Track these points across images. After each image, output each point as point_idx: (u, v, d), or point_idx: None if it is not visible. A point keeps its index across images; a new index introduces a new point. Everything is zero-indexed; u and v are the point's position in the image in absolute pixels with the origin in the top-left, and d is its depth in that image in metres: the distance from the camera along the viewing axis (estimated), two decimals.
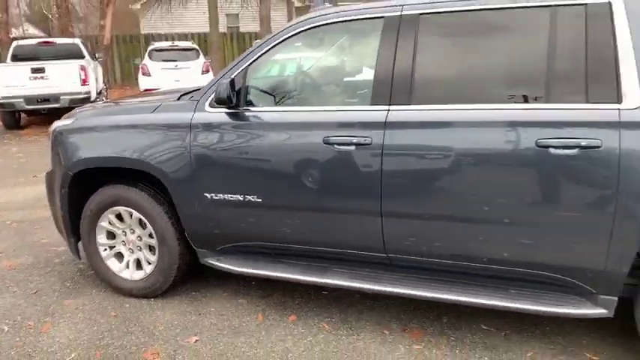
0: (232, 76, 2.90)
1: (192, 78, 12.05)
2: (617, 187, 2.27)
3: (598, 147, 2.28)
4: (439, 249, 2.70)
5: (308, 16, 2.93)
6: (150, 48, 13.67)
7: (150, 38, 20.54)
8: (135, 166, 3.18)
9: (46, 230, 4.75)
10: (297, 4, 26.46)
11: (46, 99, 10.16)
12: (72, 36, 15.35)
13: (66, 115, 3.65)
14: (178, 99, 3.29)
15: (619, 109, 2.27)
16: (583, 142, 2.30)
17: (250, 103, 2.98)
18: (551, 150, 2.35)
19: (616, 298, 2.46)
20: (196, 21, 24.69)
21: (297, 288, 3.44)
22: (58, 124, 3.53)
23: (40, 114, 11.26)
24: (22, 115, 11.06)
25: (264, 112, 2.95)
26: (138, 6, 27.70)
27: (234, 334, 2.99)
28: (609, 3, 2.34)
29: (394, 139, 2.62)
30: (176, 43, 14.92)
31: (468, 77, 2.64)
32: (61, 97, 10.17)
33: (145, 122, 3.18)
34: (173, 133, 3.07)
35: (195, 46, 14.25)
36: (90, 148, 3.30)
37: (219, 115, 2.99)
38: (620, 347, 2.72)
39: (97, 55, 13.45)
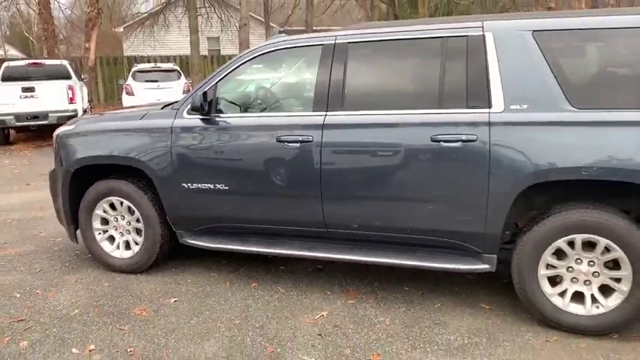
0: (205, 90, 3.68)
1: (173, 98, 12.76)
2: (488, 170, 3.08)
3: (474, 140, 3.09)
4: (366, 223, 3.47)
5: (265, 43, 3.75)
6: (134, 69, 14.42)
7: (133, 60, 21.29)
8: (126, 162, 3.92)
9: (43, 226, 5.43)
10: (275, 27, 27.48)
11: (35, 116, 10.82)
12: (57, 57, 16.01)
13: (68, 122, 4.38)
14: (162, 108, 4.05)
15: (489, 112, 3.09)
16: (463, 137, 3.11)
17: (219, 111, 3.75)
18: (442, 143, 3.16)
19: (495, 256, 3.25)
20: (178, 44, 25.52)
21: (259, 264, 4.18)
22: (61, 129, 4.27)
23: (29, 130, 11.89)
24: (12, 131, 11.66)
25: (230, 117, 3.73)
26: (121, 29, 28.52)
27: (206, 296, 3.72)
28: (483, 35, 3.18)
29: (330, 137, 3.41)
30: (159, 64, 15.71)
31: (384, 90, 3.47)
32: (50, 115, 10.83)
33: (135, 127, 3.94)
34: (157, 135, 3.83)
35: (176, 67, 15.04)
36: (89, 149, 4.03)
37: (195, 120, 3.75)
38: (508, 299, 3.49)
39: (82, 76, 14.13)
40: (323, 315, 3.40)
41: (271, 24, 26.80)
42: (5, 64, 12.37)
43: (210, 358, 2.94)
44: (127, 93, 13.73)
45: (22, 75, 11.75)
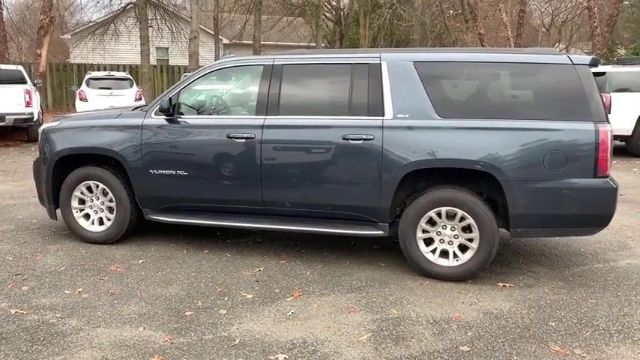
0: (170, 96, 4.70)
1: (126, 104, 13.55)
2: (381, 161, 4.25)
3: (372, 139, 4.26)
4: (297, 201, 4.56)
5: (218, 61, 4.83)
6: (87, 76, 15.06)
7: (82, 67, 21.71)
8: (104, 152, 4.87)
9: (18, 211, 6.22)
10: (225, 40, 28.44)
11: None
12: (8, 62, 16.37)
13: (51, 119, 5.28)
14: (133, 110, 5.04)
15: (382, 119, 4.28)
16: (364, 136, 4.28)
17: (181, 113, 4.78)
18: (350, 141, 4.32)
19: (387, 225, 4.42)
20: (127, 53, 26.03)
21: (210, 238, 5.19)
22: (46, 125, 5.17)
23: None
24: None
25: (189, 119, 4.76)
26: (69, 36, 28.68)
27: (168, 259, 4.71)
28: (380, 64, 4.37)
29: (268, 135, 4.51)
30: (112, 73, 16.39)
31: (309, 101, 4.62)
32: (7, 117, 11.39)
33: (111, 124, 4.91)
34: (130, 131, 4.80)
35: (129, 76, 15.79)
36: (72, 141, 4.96)
37: (161, 120, 4.76)
38: (398, 260, 4.66)
39: (35, 81, 14.61)
40: (260, 270, 4.46)
41: (220, 37, 27.76)
42: None
43: (174, 295, 3.94)
44: (80, 99, 14.35)
45: None
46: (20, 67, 13.24)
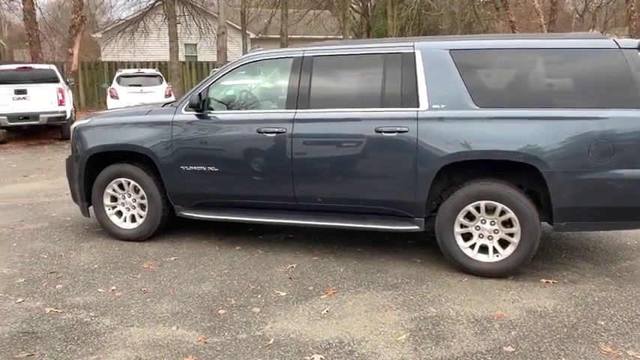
0: (199, 91, 4.64)
1: (156, 101, 13.65)
2: (416, 153, 4.11)
3: (406, 131, 4.12)
4: (328, 196, 4.46)
5: (247, 55, 4.74)
6: (118, 74, 15.23)
7: (113, 65, 21.99)
8: (135, 149, 4.84)
9: (52, 209, 6.28)
10: (252, 35, 28.47)
11: (26, 117, 11.56)
12: (42, 62, 16.68)
13: (83, 117, 5.28)
14: (163, 106, 5.00)
15: (417, 110, 4.13)
16: (398, 129, 4.14)
17: (211, 109, 4.71)
18: (383, 134, 4.18)
19: (423, 220, 4.27)
20: (157, 50, 26.26)
21: (242, 234, 5.13)
22: (77, 123, 5.18)
23: (19, 131, 12.59)
24: (2, 131, 12.31)
25: (219, 114, 4.69)
26: (100, 35, 29.12)
27: (200, 255, 4.66)
28: (413, 53, 4.22)
29: (299, 129, 4.41)
30: (142, 70, 16.53)
31: (341, 93, 4.49)
32: (40, 116, 11.59)
33: (142, 120, 4.88)
34: (160, 127, 4.76)
35: (158, 73, 15.90)
36: (104, 139, 4.95)
37: (191, 116, 4.71)
38: (435, 256, 4.52)
39: (67, 80, 14.84)
40: (292, 266, 4.38)
41: (248, 32, 27.78)
42: None
43: (207, 293, 3.88)
44: (111, 96, 14.52)
45: (12, 78, 12.43)
46: (53, 67, 13.46)
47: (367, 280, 4.11)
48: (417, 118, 4.11)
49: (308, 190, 4.50)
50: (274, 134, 4.45)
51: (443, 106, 4.08)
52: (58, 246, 4.95)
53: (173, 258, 4.60)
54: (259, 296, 3.83)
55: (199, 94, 4.61)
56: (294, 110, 4.45)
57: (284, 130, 4.42)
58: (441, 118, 4.07)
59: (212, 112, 4.70)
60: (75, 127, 5.17)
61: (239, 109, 4.83)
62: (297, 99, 4.45)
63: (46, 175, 8.42)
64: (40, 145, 11.84)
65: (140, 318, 3.51)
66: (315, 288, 3.96)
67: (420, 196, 4.18)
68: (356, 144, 4.30)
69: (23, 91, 11.57)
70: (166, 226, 5.11)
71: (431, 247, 4.67)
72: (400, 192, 4.22)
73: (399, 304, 3.69)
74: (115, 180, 5.01)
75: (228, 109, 4.80)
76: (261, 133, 4.48)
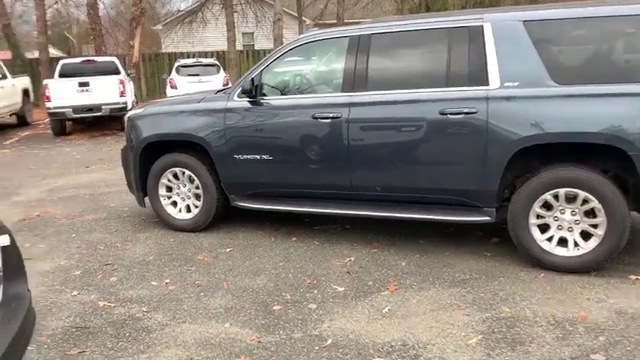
0: (252, 76, 4.43)
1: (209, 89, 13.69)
2: (486, 137, 3.73)
3: (475, 113, 3.75)
4: (388, 185, 4.17)
5: (300, 36, 4.48)
6: (177, 64, 15.42)
7: (173, 56, 22.37)
8: (188, 138, 4.72)
9: (111, 199, 6.32)
10: (308, 21, 28.23)
11: (90, 108, 11.84)
12: (105, 55, 17.14)
13: (137, 107, 5.22)
14: (216, 93, 4.84)
15: (487, 89, 3.74)
16: (465, 110, 3.77)
17: (264, 94, 4.50)
18: (449, 116, 3.83)
19: (494, 210, 3.90)
20: (215, 40, 26.52)
21: (298, 225, 4.93)
22: (131, 113, 5.12)
23: (83, 122, 12.97)
24: (68, 123, 12.73)
25: (272, 100, 4.48)
26: (160, 27, 29.75)
27: (255, 247, 4.50)
28: (482, 26, 3.83)
29: (356, 113, 4.12)
30: (200, 59, 16.68)
31: (400, 73, 4.16)
32: (103, 107, 11.84)
33: (194, 109, 4.74)
34: (213, 116, 4.61)
35: (216, 62, 15.98)
36: (157, 128, 4.86)
37: (244, 102, 4.52)
38: (506, 248, 4.13)
39: (129, 72, 15.16)
40: (350, 260, 4.12)
41: (304, 18, 27.56)
42: (62, 62, 13.49)
43: (262, 287, 3.70)
44: (171, 87, 14.72)
45: (77, 71, 12.81)
46: (114, 59, 13.76)
47: (432, 275, 3.80)
48: (486, 98, 3.73)
49: (366, 179, 4.22)
50: (329, 119, 4.19)
51: (516, 83, 3.68)
52: (115, 237, 4.92)
53: (228, 249, 4.46)
54: (316, 291, 3.61)
55: (252, 80, 4.41)
56: (351, 93, 4.17)
57: (339, 115, 4.15)
58: (513, 97, 3.67)
59: (265, 97, 4.49)
60: (129, 117, 5.11)
61: (292, 93, 4.59)
62: (354, 81, 4.16)
63: (107, 166, 8.55)
64: (103, 136, 12.12)
65: (192, 314, 3.37)
66: (375, 283, 3.69)
67: (490, 183, 3.81)
68: (418, 128, 3.97)
69: (86, 84, 11.85)
70: (222, 216, 4.97)
71: (502, 239, 4.29)
72: (468, 180, 3.87)
73: (468, 302, 3.37)
74: (170, 170, 4.91)
75: (282, 94, 4.58)
76: (316, 118, 4.23)
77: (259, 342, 3.00)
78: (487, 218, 3.92)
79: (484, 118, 3.72)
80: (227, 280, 3.87)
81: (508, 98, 3.69)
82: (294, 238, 4.64)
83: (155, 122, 4.91)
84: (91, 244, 4.73)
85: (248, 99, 4.50)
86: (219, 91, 4.90)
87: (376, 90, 4.11)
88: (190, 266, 4.14)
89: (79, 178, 7.70)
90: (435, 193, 4.05)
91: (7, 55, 20.66)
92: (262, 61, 4.56)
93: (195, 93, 5.66)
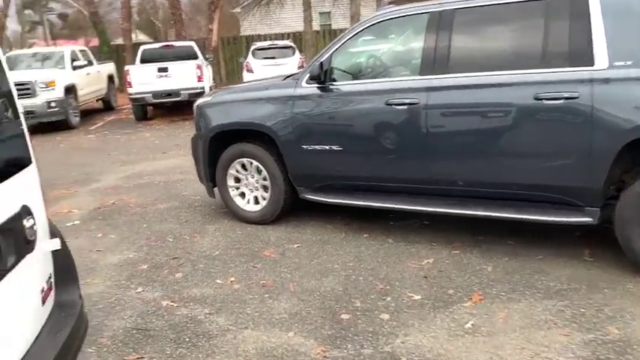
0: (321, 60, 4.11)
1: (289, 73, 13.51)
2: (590, 126, 3.20)
3: (576, 98, 3.22)
4: (471, 179, 3.73)
5: (375, 14, 4.08)
6: (253, 47, 15.40)
7: (250, 39, 22.47)
8: (254, 127, 4.49)
9: (184, 187, 6.27)
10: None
11: (169, 94, 12.05)
12: (185, 40, 17.44)
13: (206, 94, 5.06)
14: (284, 79, 4.56)
15: (591, 70, 3.19)
16: (565, 94, 3.25)
17: (334, 80, 4.17)
18: (545, 101, 3.32)
19: (598, 209, 3.37)
20: (292, 21, 26.38)
21: (370, 220, 4.59)
22: (200, 101, 4.96)
23: (163, 107, 13.26)
24: (149, 108, 13.05)
25: (343, 85, 4.14)
26: (238, 10, 30.04)
27: (324, 243, 4.22)
28: None
29: (435, 99, 3.70)
30: (275, 42, 16.57)
31: (488, 52, 3.67)
32: (181, 92, 12.00)
33: (261, 96, 4.50)
34: (280, 104, 4.34)
35: (292, 44, 15.80)
36: (224, 117, 4.67)
37: (312, 88, 4.21)
38: (610, 252, 3.58)
39: (207, 56, 15.31)
40: (429, 262, 3.74)
41: None
42: (143, 47, 13.83)
43: (329, 291, 3.42)
44: (247, 70, 14.72)
45: (157, 57, 13.07)
46: (192, 43, 13.92)
47: (522, 283, 3.34)
48: (591, 80, 3.18)
49: (447, 172, 3.80)
50: (405, 106, 3.79)
51: (629, 62, 3.10)
52: (185, 228, 4.82)
53: (296, 245, 4.21)
54: (389, 299, 3.27)
55: (321, 64, 4.08)
56: (430, 77, 3.74)
57: (417, 101, 3.74)
58: (627, 79, 3.10)
59: (335, 83, 4.16)
60: (197, 105, 4.96)
61: (364, 78, 4.22)
62: (434, 63, 3.73)
63: (183, 152, 8.57)
64: (183, 121, 12.29)
65: (256, 318, 3.15)
66: (457, 292, 3.30)
67: (594, 179, 3.28)
68: (507, 115, 3.50)
69: (165, 69, 12.05)
70: (290, 208, 4.74)
71: (606, 242, 3.73)
72: (568, 175, 3.36)
73: (566, 319, 2.90)
74: (238, 160, 4.72)
75: (354, 78, 4.22)
76: (390, 105, 3.85)
77: (325, 357, 2.73)
78: (589, 219, 3.40)
79: (588, 104, 3.18)
80: (293, 280, 3.62)
81: (618, 80, 3.12)
82: (365, 235, 4.32)
83: (222, 111, 4.72)
84: (160, 236, 4.65)
85: (317, 85, 4.19)
86: (287, 77, 4.62)
87: (459, 72, 3.66)
88: (256, 263, 3.93)
89: (155, 165, 7.77)
90: (527, 190, 3.57)
91: (96, 41, 21.64)
92: (332, 43, 4.22)
93: (264, 79, 5.42)
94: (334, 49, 4.16)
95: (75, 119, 12.12)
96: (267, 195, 4.65)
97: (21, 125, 2.21)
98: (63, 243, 2.40)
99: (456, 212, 3.81)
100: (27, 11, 43.88)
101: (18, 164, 2.14)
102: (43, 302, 2.17)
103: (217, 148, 4.80)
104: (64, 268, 2.41)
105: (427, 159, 3.81)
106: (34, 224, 2.07)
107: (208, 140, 4.77)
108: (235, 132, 4.71)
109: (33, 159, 2.27)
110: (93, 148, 9.50)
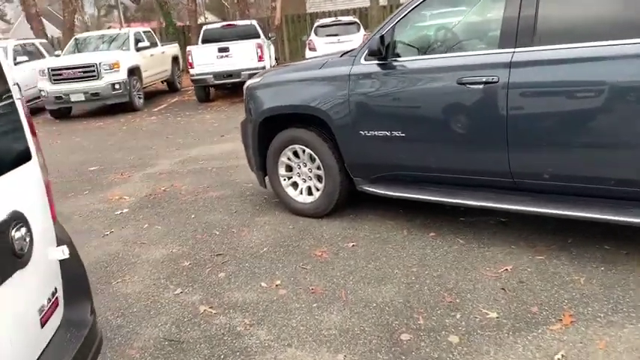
0: (382, 33, 3.57)
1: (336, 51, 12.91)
2: None
3: None
4: (561, 172, 3.11)
5: None
6: (315, 24, 14.87)
7: (315, 16, 21.93)
8: (306, 111, 4.04)
9: (238, 173, 5.94)
10: None
11: (229, 74, 11.79)
12: (248, 18, 17.17)
13: (256, 75, 4.65)
14: (341, 56, 4.06)
15: None
16: None
17: (397, 55, 3.62)
18: None
19: None
20: None
21: (437, 214, 4.05)
22: (250, 82, 4.56)
23: (225, 88, 13.08)
24: (212, 89, 12.90)
25: (407, 61, 3.59)
26: None
27: (383, 242, 3.73)
28: None
29: (518, 76, 3.09)
30: (339, 18, 15.95)
31: (586, 18, 3.00)
32: (242, 73, 11.70)
33: (314, 76, 4.03)
34: (336, 83, 3.85)
35: (356, 20, 15.13)
36: (273, 100, 4.24)
37: (371, 66, 3.69)
38: None
39: (269, 35, 14.96)
40: (507, 269, 3.18)
41: None
42: (204, 28, 13.68)
43: (388, 303, 2.94)
44: (309, 49, 14.23)
45: (218, 37, 12.87)
46: (254, 22, 13.60)
47: (625, 302, 2.72)
48: None
49: (531, 163, 3.20)
50: (481, 85, 3.20)
51: None
52: (234, 219, 4.48)
53: (351, 244, 3.75)
54: (458, 315, 2.76)
55: (381, 37, 3.54)
56: (512, 50, 3.12)
57: (496, 79, 3.14)
58: None
59: (398, 59, 3.61)
60: (247, 87, 4.56)
61: (434, 52, 3.64)
62: (517, 32, 3.11)
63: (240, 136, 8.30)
64: (242, 102, 12.07)
65: (301, 334, 2.74)
66: (542, 310, 2.73)
67: None
68: (610, 96, 2.84)
69: (226, 49, 11.79)
70: (347, 201, 4.27)
71: None
72: None
73: None
74: (290, 147, 4.30)
75: (420, 53, 3.66)
76: (463, 84, 3.27)
77: None
78: None
79: None
80: (346, 286, 3.17)
81: None
82: (432, 234, 3.79)
83: (272, 93, 4.29)
84: (207, 228, 4.33)
85: (377, 62, 3.66)
86: (344, 54, 4.11)
87: (548, 44, 3.02)
88: (306, 263, 3.52)
89: (211, 149, 7.51)
90: (632, 186, 2.91)
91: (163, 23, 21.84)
92: (395, 13, 3.66)
93: (317, 57, 4.94)
94: (397, 19, 3.60)
95: (139, 101, 12.14)
96: (320, 186, 4.21)
97: (16, 112, 1.87)
98: (73, 250, 2.06)
99: (543, 212, 3.19)
100: None
101: (11, 160, 1.80)
102: (44, 324, 1.84)
103: (268, 133, 4.40)
104: (74, 279, 2.07)
105: (506, 148, 3.21)
106: (28, 233, 1.73)
107: (258, 125, 4.37)
108: (287, 116, 4.29)
109: (34, 153, 1.93)
110: (152, 131, 9.41)
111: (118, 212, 4.96)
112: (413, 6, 3.56)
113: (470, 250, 3.49)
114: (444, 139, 3.47)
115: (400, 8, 3.64)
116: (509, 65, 3.10)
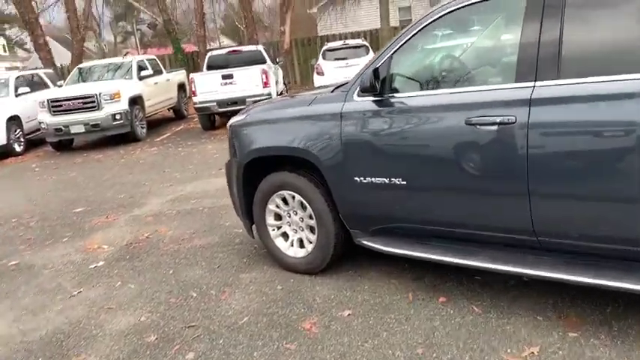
0: (376, 66, 3.04)
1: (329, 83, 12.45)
2: None
3: None
4: (593, 231, 2.54)
5: (450, 1, 2.93)
6: (324, 48, 14.47)
7: (326, 39, 21.61)
8: (294, 153, 3.51)
9: (229, 215, 5.39)
10: None
11: (234, 102, 11.36)
12: (256, 43, 16.87)
13: (240, 112, 4.15)
14: (332, 91, 3.54)
15: None
16: None
17: (395, 90, 3.09)
18: None
19: None
20: (369, 18, 25.29)
21: (448, 272, 3.46)
22: (234, 119, 4.05)
23: (231, 115, 12.67)
24: (216, 117, 12.49)
25: (406, 97, 3.04)
26: (314, 10, 29.34)
27: (385, 310, 3.15)
28: None
29: (540, 115, 2.53)
30: (347, 41, 15.54)
31: (623, 46, 2.42)
32: (247, 100, 11.26)
33: (302, 114, 3.50)
34: (326, 123, 3.33)
35: (365, 43, 14.69)
36: (257, 141, 3.72)
37: (366, 103, 3.16)
38: None
39: (277, 59, 14.59)
40: (533, 352, 2.57)
41: None
42: (209, 54, 13.35)
43: None
44: (317, 73, 13.82)
45: (223, 63, 12.53)
46: (260, 47, 13.25)
47: None
48: None
49: (557, 220, 2.62)
50: (495, 126, 2.64)
51: None
52: (215, 277, 3.94)
53: (347, 312, 3.18)
54: None
55: (375, 71, 3.02)
56: (532, 83, 2.57)
57: (512, 119, 2.59)
58: None
59: (396, 95, 3.07)
60: (231, 125, 4.05)
61: (437, 87, 3.10)
62: (537, 63, 2.55)
63: None
64: None
65: None
66: None
67: None
68: None
69: (229, 76, 11.40)
70: (344, 254, 3.72)
71: None
72: None
73: None
74: (278, 193, 3.77)
75: (421, 88, 3.12)
76: (473, 125, 2.71)
77: None
78: None
79: None
80: None
81: None
82: (442, 298, 3.20)
83: (257, 132, 3.77)
84: (184, 288, 3.80)
85: (371, 98, 3.13)
86: (337, 88, 3.58)
87: (577, 77, 2.46)
88: (291, 341, 2.95)
89: (207, 185, 7.02)
90: None
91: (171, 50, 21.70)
92: (391, 42, 3.13)
93: (306, 92, 4.41)
94: (394, 49, 3.07)
95: (141, 131, 11.77)
96: (313, 238, 3.66)
97: None
98: None
99: (571, 279, 2.60)
100: (120, 23, 46.12)
101: None
102: None
103: (255, 177, 3.88)
104: None
105: (528, 200, 2.64)
106: None
107: (242, 168, 3.85)
108: (274, 158, 3.77)
109: None
110: (150, 164, 8.97)
111: (93, 266, 4.45)
112: (412, 33, 3.03)
113: (487, 321, 2.89)
114: (450, 188, 2.91)
115: (397, 36, 3.11)
116: (529, 103, 2.54)
